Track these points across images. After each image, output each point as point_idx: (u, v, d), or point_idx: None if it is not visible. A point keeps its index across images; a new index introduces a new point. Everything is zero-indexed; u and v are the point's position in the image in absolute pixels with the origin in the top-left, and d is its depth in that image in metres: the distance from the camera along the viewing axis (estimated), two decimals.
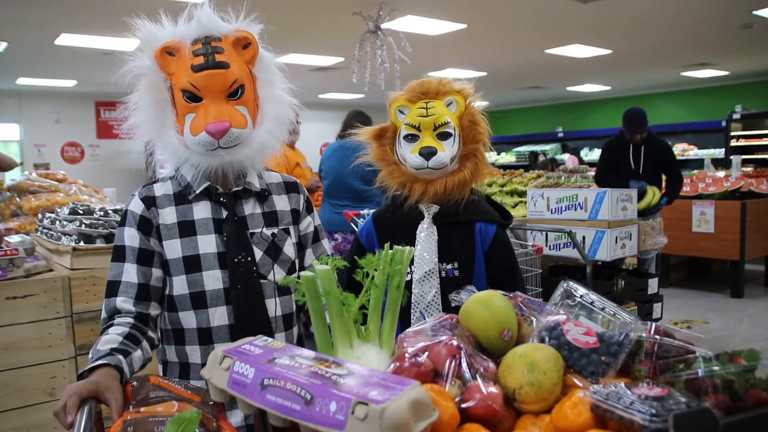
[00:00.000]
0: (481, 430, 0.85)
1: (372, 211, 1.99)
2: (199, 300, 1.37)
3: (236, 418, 1.38)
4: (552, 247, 3.53)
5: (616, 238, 3.42)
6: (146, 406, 0.95)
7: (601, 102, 13.41)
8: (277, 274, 1.43)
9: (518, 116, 15.11)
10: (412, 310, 1.68)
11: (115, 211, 2.89)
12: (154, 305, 1.38)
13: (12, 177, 4.57)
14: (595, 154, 12.17)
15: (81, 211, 2.85)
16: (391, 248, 1.11)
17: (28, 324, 2.43)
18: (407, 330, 1.10)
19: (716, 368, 0.83)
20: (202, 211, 1.41)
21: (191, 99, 1.33)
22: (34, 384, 2.43)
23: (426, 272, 1.67)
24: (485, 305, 1.07)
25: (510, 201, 5.20)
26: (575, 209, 3.50)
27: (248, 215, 1.44)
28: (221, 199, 1.42)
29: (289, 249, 1.47)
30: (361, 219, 3.13)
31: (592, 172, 5.18)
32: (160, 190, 1.43)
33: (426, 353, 0.97)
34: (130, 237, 1.37)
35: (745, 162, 8.60)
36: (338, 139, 4.36)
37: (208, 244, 1.39)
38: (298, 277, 1.06)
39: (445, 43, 7.33)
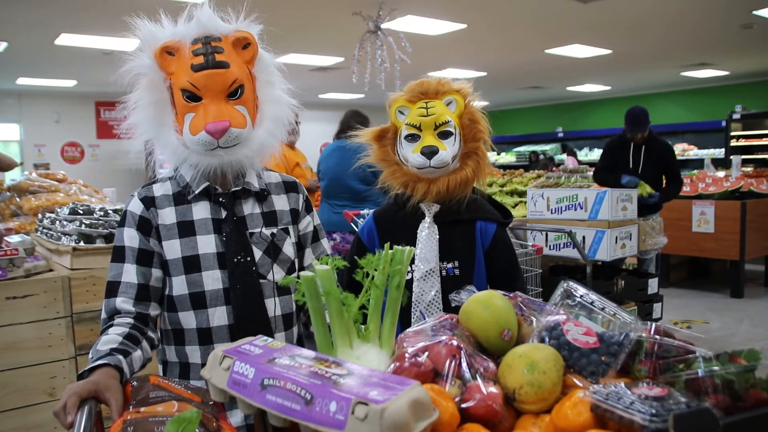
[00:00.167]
0: (481, 430, 0.85)
1: (372, 210, 1.99)
2: (198, 300, 1.37)
3: (236, 418, 1.38)
4: (552, 247, 3.53)
5: (616, 238, 3.42)
6: (146, 406, 0.95)
7: (601, 102, 13.41)
8: (277, 273, 1.43)
9: (518, 116, 15.11)
10: (412, 310, 1.68)
11: (115, 211, 2.89)
12: (153, 305, 1.38)
13: (12, 177, 4.57)
14: (595, 154, 12.17)
15: (81, 211, 2.85)
16: (391, 248, 1.11)
17: (28, 324, 2.43)
18: (407, 330, 1.10)
19: (716, 368, 0.83)
20: (201, 211, 1.41)
21: (191, 98, 1.33)
22: (34, 384, 2.43)
23: (427, 271, 1.67)
24: (485, 305, 1.08)
25: (510, 201, 5.20)
26: (575, 209, 3.50)
27: (247, 215, 1.44)
28: (220, 199, 1.42)
29: (288, 249, 1.47)
30: (361, 219, 3.13)
31: (591, 172, 5.18)
32: (159, 190, 1.43)
33: (426, 353, 0.97)
34: (130, 237, 1.37)
35: (745, 162, 8.60)
36: (335, 139, 4.36)
37: (207, 244, 1.39)
38: (298, 277, 1.06)
39: (445, 43, 7.33)
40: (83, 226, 2.68)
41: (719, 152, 10.47)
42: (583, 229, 3.42)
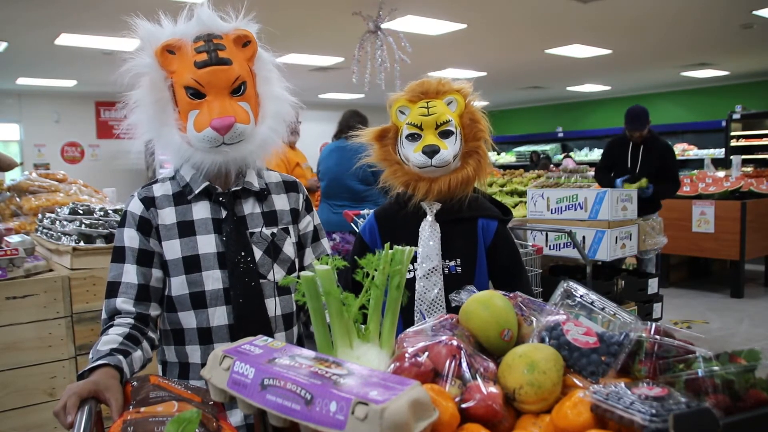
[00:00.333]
0: (481, 430, 0.85)
1: (371, 210, 1.99)
2: (198, 300, 1.37)
3: (236, 417, 1.38)
4: (552, 247, 3.53)
5: (616, 238, 3.42)
6: (146, 406, 0.96)
7: (601, 102, 13.41)
8: (277, 273, 1.43)
9: (518, 116, 15.11)
10: (415, 308, 1.69)
11: (115, 211, 2.89)
12: (154, 306, 1.38)
13: (12, 177, 4.57)
14: (595, 154, 12.18)
15: (81, 211, 2.85)
16: (392, 247, 1.11)
17: (28, 324, 2.43)
18: (407, 330, 1.11)
19: (716, 368, 0.83)
20: (201, 211, 1.41)
21: (195, 95, 1.33)
22: (34, 384, 2.43)
23: (429, 269, 1.68)
24: (485, 305, 1.08)
25: (510, 201, 5.20)
26: (575, 209, 3.50)
27: (247, 215, 1.44)
28: (220, 198, 1.42)
29: (288, 248, 1.47)
30: (361, 219, 3.14)
31: (591, 172, 5.19)
32: (159, 190, 1.43)
33: (426, 353, 0.97)
34: (130, 238, 1.38)
35: (745, 162, 8.59)
36: (334, 139, 4.36)
37: (207, 244, 1.39)
38: (298, 277, 1.06)
39: (445, 43, 7.33)
40: (83, 226, 2.68)
41: (719, 152, 10.47)
42: (583, 229, 3.42)
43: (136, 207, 1.40)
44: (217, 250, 1.39)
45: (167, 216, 1.40)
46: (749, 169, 8.15)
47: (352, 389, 0.77)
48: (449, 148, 1.64)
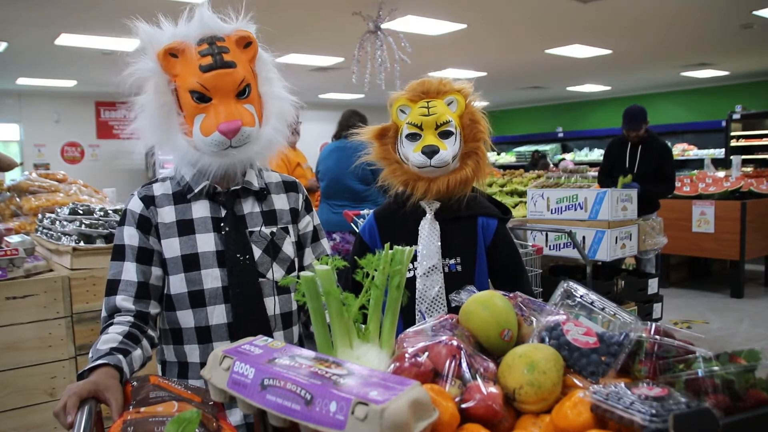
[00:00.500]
0: (481, 430, 0.85)
1: (371, 210, 2.00)
2: (197, 298, 1.37)
3: (235, 417, 1.38)
4: (552, 247, 3.53)
5: (616, 238, 3.42)
6: (146, 406, 0.96)
7: (601, 102, 13.41)
8: (276, 272, 1.44)
9: (518, 116, 15.11)
10: (416, 307, 1.69)
11: (115, 211, 2.89)
12: (153, 304, 1.38)
13: (12, 177, 4.57)
14: (595, 154, 12.19)
15: (81, 211, 2.85)
16: (392, 247, 1.11)
17: (28, 324, 2.43)
18: (407, 330, 1.11)
19: (716, 368, 0.83)
20: (200, 209, 1.41)
21: (200, 99, 1.33)
22: (34, 384, 2.43)
23: (429, 268, 1.68)
24: (485, 305, 1.08)
25: (510, 201, 5.20)
26: (575, 209, 3.50)
27: (247, 214, 1.44)
28: (220, 197, 1.42)
29: (288, 248, 1.48)
30: (361, 219, 3.14)
31: (591, 173, 5.19)
32: (159, 189, 1.43)
33: (426, 353, 0.97)
34: (130, 236, 1.38)
35: (745, 162, 8.59)
36: (334, 139, 4.36)
37: (206, 242, 1.39)
38: (298, 277, 1.06)
39: (445, 43, 7.33)
40: (83, 226, 2.68)
41: (719, 152, 10.47)
42: (583, 229, 3.42)
43: (135, 205, 1.40)
44: (216, 249, 1.39)
45: (167, 214, 1.40)
46: (749, 169, 8.16)
47: (352, 389, 0.77)
48: (449, 149, 1.64)
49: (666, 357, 0.92)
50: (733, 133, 10.51)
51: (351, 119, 4.17)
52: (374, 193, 4.08)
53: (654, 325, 0.98)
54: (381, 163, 1.76)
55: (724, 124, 10.57)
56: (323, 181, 4.30)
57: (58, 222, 2.88)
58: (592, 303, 1.06)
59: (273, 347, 0.95)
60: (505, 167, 11.11)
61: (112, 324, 1.29)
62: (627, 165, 4.83)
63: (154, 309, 1.38)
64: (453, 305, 1.23)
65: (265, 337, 1.01)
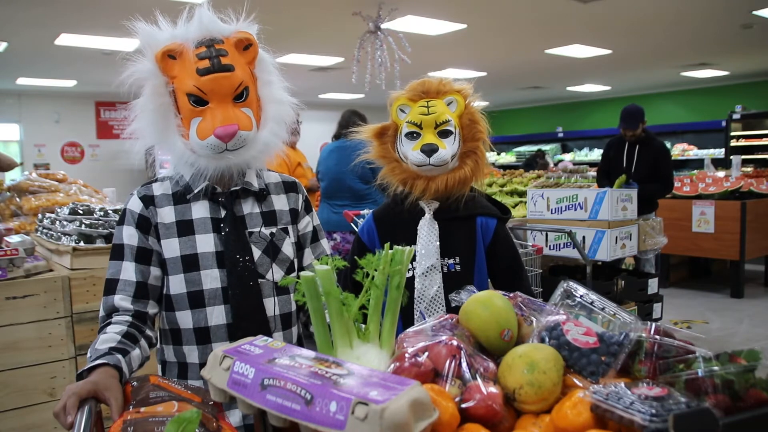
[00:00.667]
0: (481, 430, 0.85)
1: (372, 210, 2.00)
2: (196, 299, 1.37)
3: (235, 417, 1.38)
4: (552, 247, 3.53)
5: (616, 238, 3.42)
6: (146, 406, 0.95)
7: (601, 102, 13.41)
8: (276, 273, 1.44)
9: (518, 116, 15.11)
10: (415, 307, 1.69)
11: (115, 211, 2.89)
12: (152, 304, 1.38)
13: (12, 177, 4.57)
14: (595, 154, 12.19)
15: (81, 211, 2.85)
16: (392, 247, 1.11)
17: (28, 324, 2.43)
18: (407, 330, 1.10)
19: (716, 368, 0.83)
20: (200, 210, 1.41)
21: (197, 103, 1.32)
22: (34, 384, 2.43)
23: (428, 267, 1.68)
24: (485, 305, 1.07)
25: (510, 201, 5.20)
26: (575, 209, 3.50)
27: (247, 214, 1.44)
28: (219, 198, 1.42)
29: (287, 248, 1.47)
30: (361, 219, 3.13)
31: (591, 172, 5.20)
32: (158, 189, 1.43)
33: (426, 353, 0.97)
34: (129, 235, 1.38)
35: (745, 162, 8.60)
36: (334, 139, 4.36)
37: (206, 243, 1.39)
38: (298, 277, 1.06)
39: (445, 43, 7.33)
40: (83, 226, 2.68)
41: (719, 152, 10.47)
42: (583, 229, 3.42)
43: (135, 205, 1.40)
44: (216, 250, 1.39)
45: (166, 215, 1.40)
46: (749, 169, 8.16)
47: (352, 389, 0.77)
48: (448, 148, 1.65)
49: (666, 357, 0.92)
50: (733, 133, 10.52)
51: (351, 119, 4.17)
52: (375, 193, 4.08)
53: (654, 325, 0.98)
54: (380, 162, 1.76)
55: (724, 124, 10.57)
56: (323, 181, 4.29)
57: (58, 222, 2.88)
58: (592, 303, 1.06)
59: (273, 347, 0.95)
60: (505, 167, 11.12)
61: (110, 324, 1.29)
62: (624, 165, 4.83)
63: (152, 309, 1.38)
64: (453, 305, 1.23)
65: (265, 337, 1.01)
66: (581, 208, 3.47)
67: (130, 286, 1.34)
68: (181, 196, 1.42)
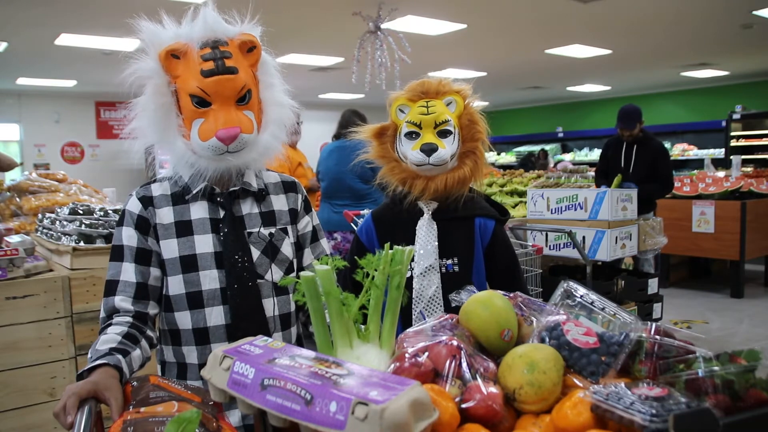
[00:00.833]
0: (481, 430, 0.85)
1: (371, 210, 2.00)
2: (195, 299, 1.37)
3: (234, 417, 1.38)
4: (552, 247, 3.53)
5: (616, 238, 3.42)
6: (146, 406, 0.95)
7: (601, 102, 13.41)
8: (275, 273, 1.44)
9: (518, 116, 15.11)
10: (413, 307, 1.69)
11: (114, 211, 2.89)
12: (152, 304, 1.38)
13: (12, 177, 4.57)
14: (594, 154, 12.20)
15: (81, 211, 2.85)
16: (391, 247, 1.11)
17: (28, 324, 2.43)
18: (407, 330, 1.10)
19: (716, 368, 0.83)
20: (199, 210, 1.41)
21: (200, 104, 1.32)
22: (34, 384, 2.43)
23: (426, 267, 1.68)
24: (485, 305, 1.07)
25: (510, 201, 5.20)
26: (575, 209, 3.50)
27: (246, 215, 1.44)
28: (218, 198, 1.42)
29: (286, 249, 1.47)
30: (361, 219, 3.13)
31: (591, 172, 5.20)
32: (157, 190, 1.43)
33: (426, 353, 0.97)
34: (128, 236, 1.38)
35: (745, 162, 8.60)
36: (334, 139, 4.36)
37: (205, 243, 1.39)
38: (298, 277, 1.06)
39: (445, 43, 7.33)
40: (83, 226, 2.68)
41: (719, 152, 10.47)
42: (583, 229, 3.42)
43: (134, 206, 1.40)
44: (215, 250, 1.39)
45: (165, 215, 1.40)
46: (749, 169, 8.16)
47: (352, 389, 0.77)
48: (447, 148, 1.65)
49: (666, 357, 0.92)
50: (733, 133, 10.52)
51: (351, 119, 4.17)
52: (375, 192, 4.07)
53: (654, 325, 0.98)
54: (379, 162, 1.76)
55: (724, 124, 10.58)
56: (324, 181, 4.29)
57: (58, 222, 2.88)
58: (592, 303, 1.06)
59: (273, 347, 0.95)
60: (505, 167, 11.12)
61: (110, 325, 1.29)
62: (623, 165, 4.83)
63: (152, 309, 1.38)
64: (453, 305, 1.23)
65: (265, 338, 1.01)
66: (581, 208, 3.47)
67: (130, 287, 1.34)
68: (179, 197, 1.42)
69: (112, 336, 1.24)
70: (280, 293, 1.45)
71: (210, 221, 1.41)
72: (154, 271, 1.38)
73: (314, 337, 1.06)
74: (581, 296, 1.08)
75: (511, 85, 11.47)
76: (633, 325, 0.98)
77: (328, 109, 12.47)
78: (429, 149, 1.64)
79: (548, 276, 3.64)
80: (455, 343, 0.98)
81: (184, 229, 1.39)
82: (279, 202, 1.51)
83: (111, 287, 1.35)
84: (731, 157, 7.82)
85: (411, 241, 1.71)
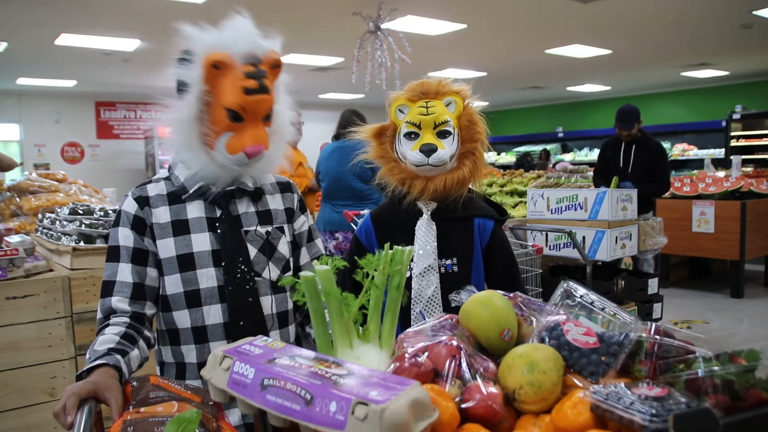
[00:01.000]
0: (481, 430, 0.85)
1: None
2: (193, 298, 1.37)
3: (234, 417, 1.38)
4: (552, 247, 3.53)
5: (616, 238, 3.42)
6: (146, 406, 0.95)
7: (601, 102, 13.42)
8: (272, 272, 1.44)
9: (518, 116, 15.11)
10: (412, 307, 1.69)
11: (114, 211, 2.89)
12: (149, 305, 1.38)
13: (12, 177, 4.57)
14: (594, 154, 12.20)
15: (81, 211, 2.85)
16: (391, 247, 1.11)
17: (28, 324, 2.43)
18: (407, 330, 1.10)
19: (716, 368, 0.83)
20: (195, 210, 1.41)
21: (235, 119, 1.34)
22: (34, 384, 2.43)
23: (425, 268, 1.68)
24: (485, 305, 1.07)
25: (510, 201, 5.20)
26: (575, 209, 3.50)
27: (242, 214, 1.45)
28: (215, 198, 1.42)
29: (283, 247, 1.48)
30: (361, 219, 3.14)
31: (591, 172, 5.21)
32: (153, 190, 1.43)
33: (426, 353, 0.97)
34: (125, 237, 1.38)
35: (745, 162, 8.60)
36: (334, 139, 4.37)
37: (202, 242, 1.39)
38: (298, 277, 1.06)
39: (445, 43, 7.33)
40: (83, 226, 2.68)
41: (719, 152, 10.48)
42: (583, 229, 3.42)
43: (130, 206, 1.40)
44: (212, 248, 1.39)
45: (162, 215, 1.40)
46: (749, 169, 8.16)
47: (352, 389, 0.77)
48: (446, 148, 1.65)
49: (666, 357, 0.92)
50: (733, 133, 10.52)
51: (351, 119, 4.17)
52: (376, 192, 4.07)
53: (654, 325, 0.98)
54: (379, 162, 1.76)
55: (724, 124, 10.58)
56: (324, 181, 4.29)
57: (58, 222, 2.88)
58: (592, 303, 1.06)
59: (273, 347, 0.95)
60: (505, 167, 11.12)
61: (108, 325, 1.29)
62: (621, 165, 4.84)
63: (149, 310, 1.38)
64: (453, 305, 1.23)
65: (265, 337, 1.01)
66: (581, 208, 3.47)
67: (127, 288, 1.34)
68: (176, 197, 1.42)
69: (109, 337, 1.24)
70: (277, 291, 1.45)
71: (207, 220, 1.41)
72: (151, 272, 1.38)
73: (312, 338, 1.06)
74: (581, 296, 1.08)
75: (511, 85, 11.47)
76: (633, 325, 0.98)
77: (328, 109, 12.48)
78: (428, 150, 1.64)
79: (548, 276, 3.64)
80: (455, 343, 0.98)
81: (180, 228, 1.39)
82: (275, 202, 1.51)
83: (108, 288, 1.35)
84: (731, 157, 7.82)
85: (410, 241, 1.71)
